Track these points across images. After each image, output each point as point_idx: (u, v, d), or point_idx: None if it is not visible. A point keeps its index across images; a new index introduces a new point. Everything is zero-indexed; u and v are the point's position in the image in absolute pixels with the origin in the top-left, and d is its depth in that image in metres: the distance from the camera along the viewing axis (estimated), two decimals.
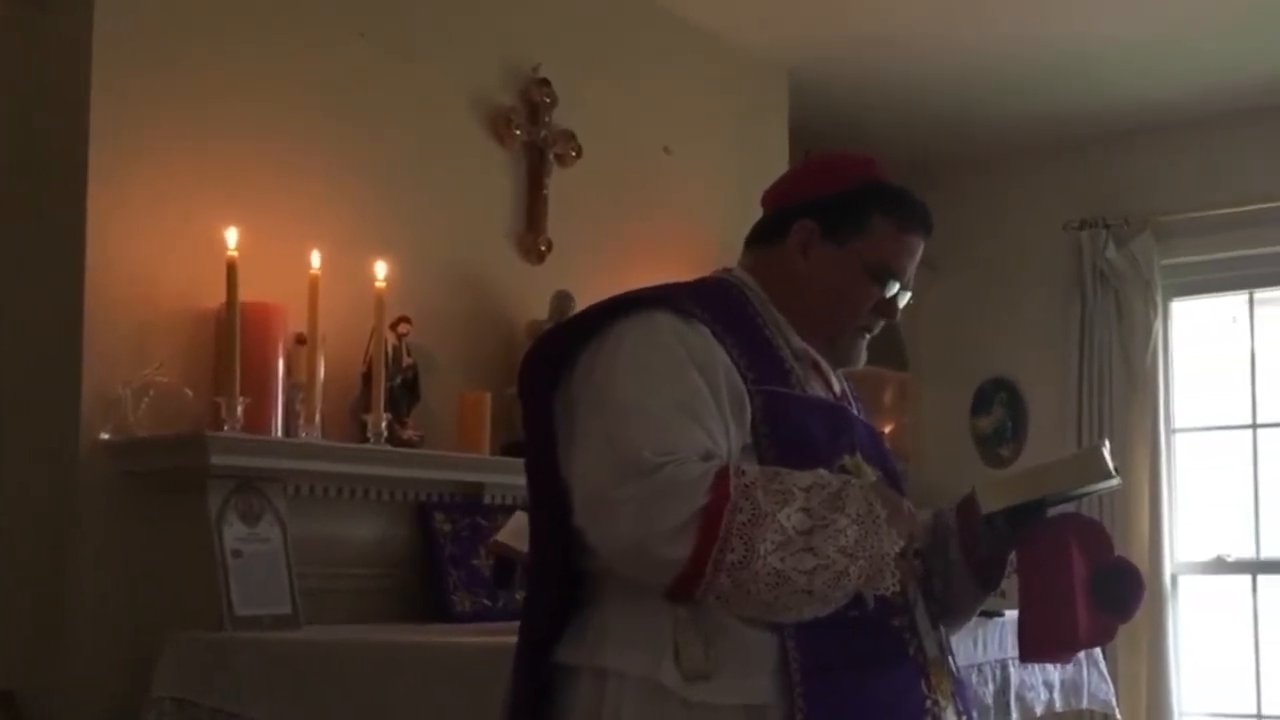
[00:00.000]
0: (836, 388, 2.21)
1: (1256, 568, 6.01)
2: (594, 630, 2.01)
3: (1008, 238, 6.47)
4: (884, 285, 2.16)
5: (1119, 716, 4.20)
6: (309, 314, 3.53)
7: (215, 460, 3.26)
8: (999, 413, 6.48)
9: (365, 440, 3.66)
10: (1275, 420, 6.06)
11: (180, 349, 3.47)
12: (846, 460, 2.07)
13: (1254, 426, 6.08)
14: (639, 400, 1.92)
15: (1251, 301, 6.16)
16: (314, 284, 3.55)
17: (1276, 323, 6.17)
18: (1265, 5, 5.03)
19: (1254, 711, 5.93)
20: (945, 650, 2.15)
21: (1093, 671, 3.96)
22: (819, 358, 2.17)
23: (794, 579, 1.84)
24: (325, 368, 3.58)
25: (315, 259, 3.59)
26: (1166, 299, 6.20)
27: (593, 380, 1.99)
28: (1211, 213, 5.99)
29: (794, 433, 2.02)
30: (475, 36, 4.36)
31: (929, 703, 2.04)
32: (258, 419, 3.43)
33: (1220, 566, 6.06)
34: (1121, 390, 6.08)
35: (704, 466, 1.87)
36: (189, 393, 3.42)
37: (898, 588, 1.95)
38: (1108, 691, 4.02)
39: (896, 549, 1.91)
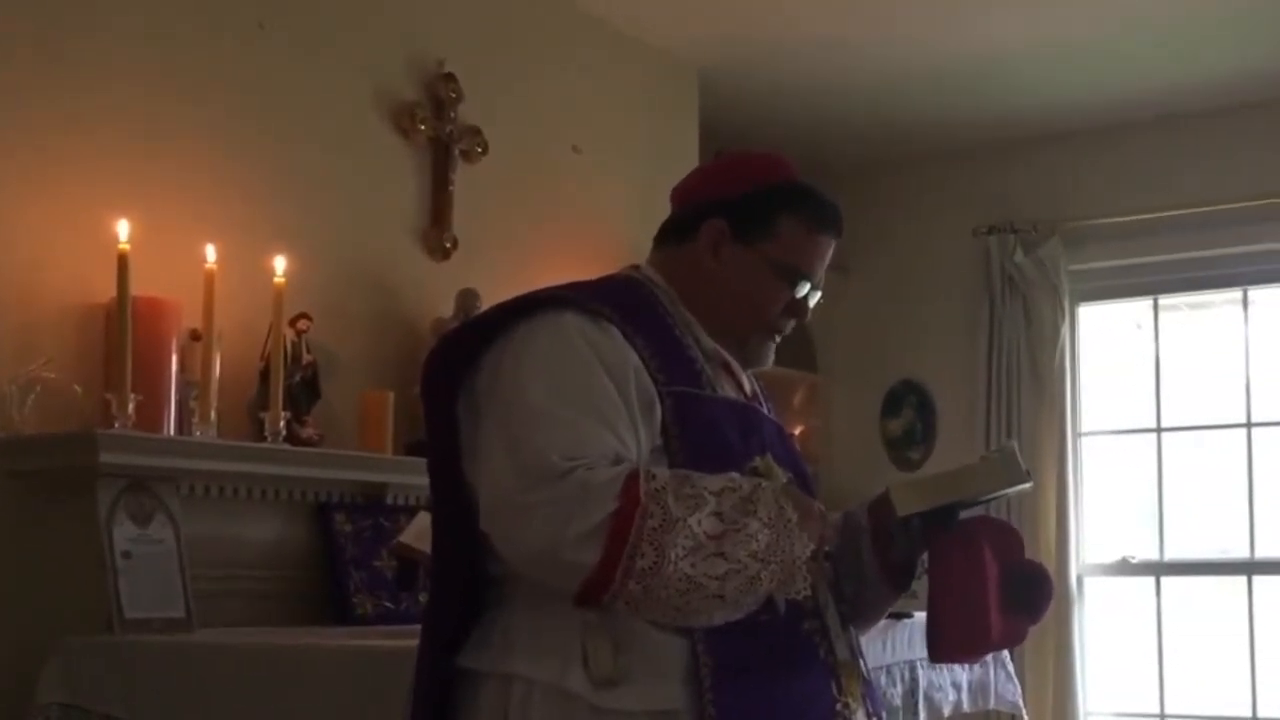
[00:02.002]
0: (747, 388, 2.18)
1: (1160, 569, 6.07)
2: (500, 635, 1.98)
3: (917, 242, 6.49)
4: (794, 286, 2.15)
5: (1026, 717, 4.22)
6: (204, 309, 3.46)
7: (105, 459, 3.18)
8: (909, 415, 6.49)
9: (263, 439, 3.59)
10: (1179, 424, 6.13)
11: (69, 344, 3.38)
12: (757, 461, 2.05)
13: (1158, 430, 6.14)
14: (547, 403, 1.89)
15: (1156, 307, 6.22)
16: (209, 278, 3.48)
17: (1180, 328, 6.25)
18: (1174, 14, 5.07)
19: (1158, 711, 6.00)
20: (855, 652, 2.13)
21: (1000, 672, 3.98)
22: (729, 357, 2.14)
23: (705, 584, 1.82)
24: (221, 364, 3.50)
25: (211, 253, 3.52)
26: (1073, 304, 6.25)
27: (499, 382, 1.96)
28: (1118, 219, 6.05)
29: (705, 434, 2.00)
30: (379, 29, 4.29)
31: (839, 705, 2.02)
32: (150, 417, 3.35)
33: (1125, 568, 6.12)
34: (1029, 394, 6.12)
35: (614, 471, 1.84)
36: (78, 389, 3.34)
37: (809, 592, 1.94)
38: (1015, 692, 4.04)
39: (808, 553, 1.89)
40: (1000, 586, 2.06)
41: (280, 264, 3.67)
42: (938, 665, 3.62)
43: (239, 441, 3.59)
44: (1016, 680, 4.07)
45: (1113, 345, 6.34)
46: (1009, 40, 5.28)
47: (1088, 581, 6.14)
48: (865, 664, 2.16)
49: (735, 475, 1.93)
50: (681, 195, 2.24)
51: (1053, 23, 5.13)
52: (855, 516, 2.18)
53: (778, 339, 2.21)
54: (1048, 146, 6.21)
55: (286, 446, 3.61)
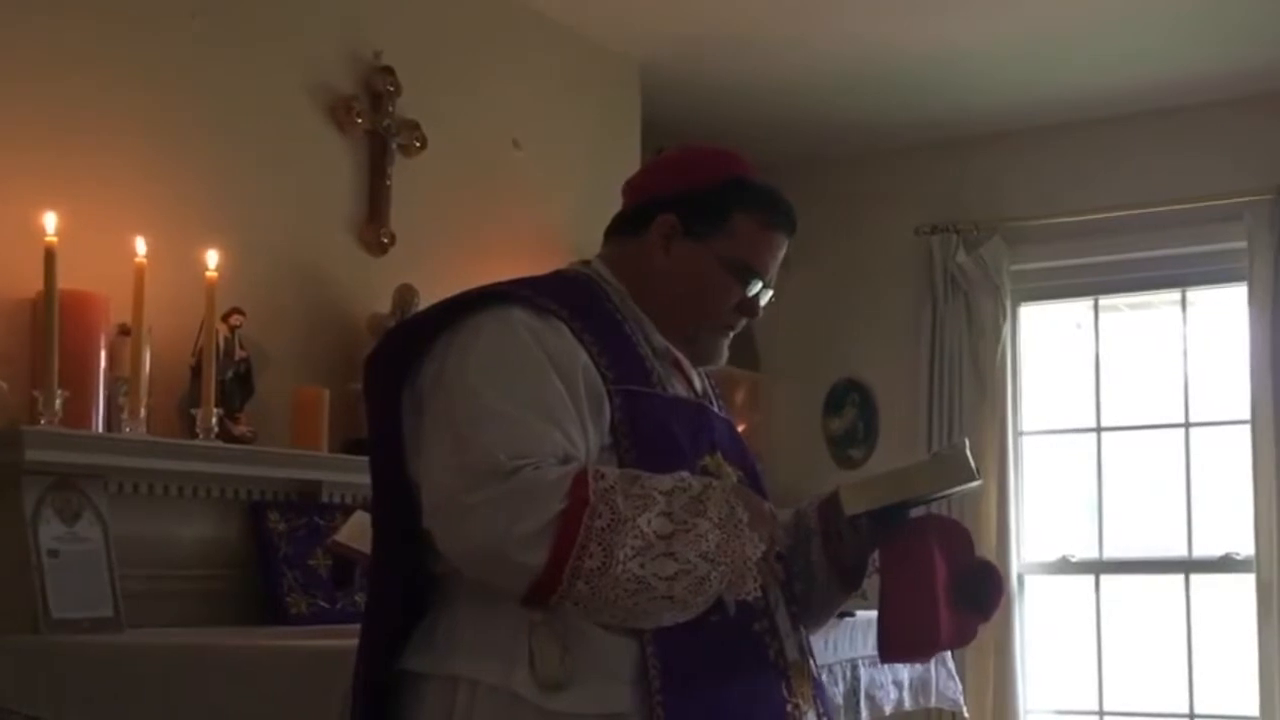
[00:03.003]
0: (698, 385, 2.15)
1: (1099, 568, 6.10)
2: (444, 635, 1.95)
3: (860, 239, 6.48)
4: (746, 283, 2.12)
5: (966, 714, 4.25)
6: (134, 304, 3.38)
7: (30, 455, 3.11)
8: (850, 414, 6.48)
9: (194, 436, 3.52)
10: (1118, 424, 6.15)
11: None
12: (707, 460, 2.03)
13: (1098, 430, 6.16)
14: (494, 401, 1.86)
15: (1096, 307, 6.24)
16: (139, 272, 3.41)
17: (1120, 328, 6.28)
18: (1115, 17, 5.08)
19: (1096, 708, 6.03)
20: (806, 652, 2.11)
21: (941, 670, 4.01)
22: (680, 355, 2.12)
23: (654, 585, 1.80)
24: (151, 360, 3.43)
25: (140, 246, 3.44)
26: (1015, 304, 6.26)
27: (444, 379, 1.92)
28: (1059, 220, 6.07)
29: (654, 433, 1.97)
30: (315, 19, 4.21)
31: (790, 707, 2.00)
32: (77, 413, 3.28)
33: (1065, 567, 6.14)
34: (971, 393, 6.13)
35: (562, 470, 1.82)
36: (3, 385, 3.24)
37: (759, 592, 1.92)
38: (956, 690, 4.06)
39: (758, 553, 1.87)
40: (949, 585, 2.05)
41: (212, 258, 3.60)
42: (886, 664, 3.62)
43: (170, 438, 3.52)
44: (957, 678, 4.09)
45: (1053, 345, 6.36)
46: (952, 40, 5.28)
47: (1028, 580, 6.16)
48: (815, 664, 2.14)
49: (685, 475, 1.90)
50: (634, 189, 2.20)
51: (996, 23, 5.13)
52: (805, 516, 2.16)
53: (730, 336, 2.18)
54: (990, 146, 6.22)
55: (218, 444, 3.55)
